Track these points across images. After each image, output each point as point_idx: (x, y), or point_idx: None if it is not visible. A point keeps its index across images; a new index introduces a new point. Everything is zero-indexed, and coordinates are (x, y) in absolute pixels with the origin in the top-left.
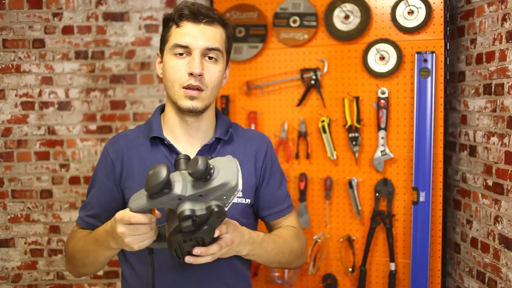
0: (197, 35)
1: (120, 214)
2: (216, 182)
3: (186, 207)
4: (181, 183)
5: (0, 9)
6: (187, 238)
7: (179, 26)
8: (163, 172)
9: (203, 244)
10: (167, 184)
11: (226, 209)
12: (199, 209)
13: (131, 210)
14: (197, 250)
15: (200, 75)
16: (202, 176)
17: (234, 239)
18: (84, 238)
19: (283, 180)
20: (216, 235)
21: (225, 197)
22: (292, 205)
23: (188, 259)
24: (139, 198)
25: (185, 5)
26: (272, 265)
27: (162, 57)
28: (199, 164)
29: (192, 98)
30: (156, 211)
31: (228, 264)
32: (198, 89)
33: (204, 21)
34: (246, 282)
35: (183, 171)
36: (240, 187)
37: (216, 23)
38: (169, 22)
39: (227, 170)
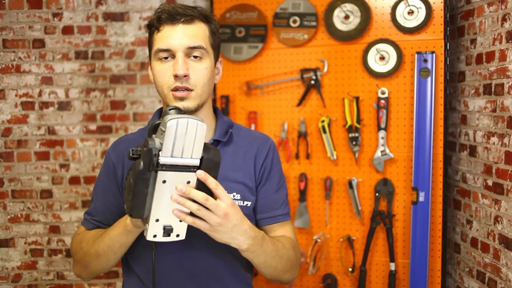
0: (177, 36)
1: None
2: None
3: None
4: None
5: (0, 9)
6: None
7: (159, 30)
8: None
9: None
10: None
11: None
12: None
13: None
14: (181, 187)
15: (185, 76)
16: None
17: (229, 213)
18: (101, 231)
19: (281, 186)
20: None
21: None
22: (290, 215)
23: (176, 212)
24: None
25: (163, 8)
26: (268, 269)
27: (150, 63)
28: (149, 144)
29: (181, 99)
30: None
31: (227, 266)
32: (187, 89)
33: (182, 20)
34: (246, 284)
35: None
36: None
37: (196, 20)
38: (151, 27)
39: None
